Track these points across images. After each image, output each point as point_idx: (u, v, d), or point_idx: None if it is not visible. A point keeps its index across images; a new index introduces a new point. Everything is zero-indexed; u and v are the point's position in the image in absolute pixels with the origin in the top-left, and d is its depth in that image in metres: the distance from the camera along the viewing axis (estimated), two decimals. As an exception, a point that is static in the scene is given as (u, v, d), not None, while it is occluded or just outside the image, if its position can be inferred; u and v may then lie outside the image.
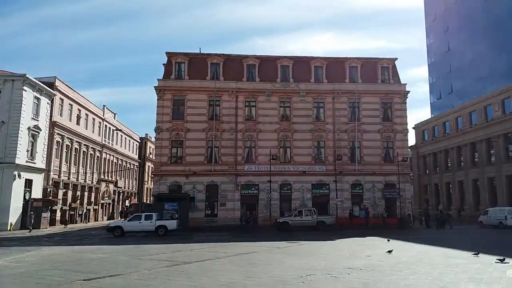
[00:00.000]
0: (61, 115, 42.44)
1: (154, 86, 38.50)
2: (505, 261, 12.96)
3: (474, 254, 15.09)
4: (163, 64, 40.96)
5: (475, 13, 70.76)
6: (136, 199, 67.76)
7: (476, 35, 70.33)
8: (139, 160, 70.45)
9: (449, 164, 57.41)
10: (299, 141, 39.16)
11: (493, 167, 47.87)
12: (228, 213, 36.94)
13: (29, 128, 36.03)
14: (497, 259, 13.29)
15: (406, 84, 41.17)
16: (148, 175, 68.43)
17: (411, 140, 69.88)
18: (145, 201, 66.43)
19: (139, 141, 71.34)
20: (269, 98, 39.34)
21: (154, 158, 50.30)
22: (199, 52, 41.18)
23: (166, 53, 40.24)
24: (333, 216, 35.47)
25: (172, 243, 22.15)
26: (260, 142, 38.69)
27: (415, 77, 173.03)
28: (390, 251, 16.66)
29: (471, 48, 71.54)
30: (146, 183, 71.60)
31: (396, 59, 42.43)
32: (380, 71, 41.57)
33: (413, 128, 67.73)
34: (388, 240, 21.82)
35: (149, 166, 71.59)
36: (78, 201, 45.98)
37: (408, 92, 40.55)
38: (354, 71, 41.43)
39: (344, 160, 38.83)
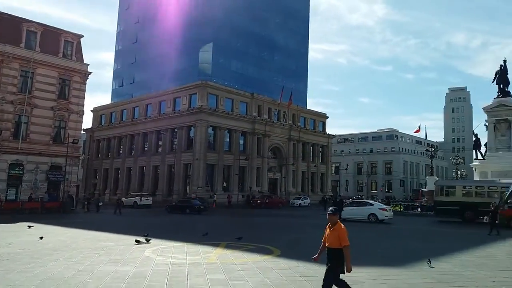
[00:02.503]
0: None
1: None
2: (148, 241, 14.27)
3: (145, 236, 14.92)
4: None
5: (162, 11, 77.36)
6: None
7: (163, 34, 76.82)
8: None
9: (121, 151, 60.24)
10: None
11: (159, 156, 53.82)
12: None
13: None
14: (136, 240, 14.35)
15: (89, 64, 39.97)
16: None
17: (88, 123, 69.09)
18: None
19: None
20: None
21: None
22: None
23: None
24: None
25: None
26: None
27: (105, 60, 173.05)
28: (41, 238, 15.37)
29: (157, 45, 77.87)
30: None
31: (82, 36, 40.51)
32: (62, 44, 38.58)
33: (91, 111, 67.16)
34: (29, 227, 19.62)
35: None
36: None
37: (90, 73, 39.52)
38: (32, 37, 36.66)
39: (5, 136, 33.49)
